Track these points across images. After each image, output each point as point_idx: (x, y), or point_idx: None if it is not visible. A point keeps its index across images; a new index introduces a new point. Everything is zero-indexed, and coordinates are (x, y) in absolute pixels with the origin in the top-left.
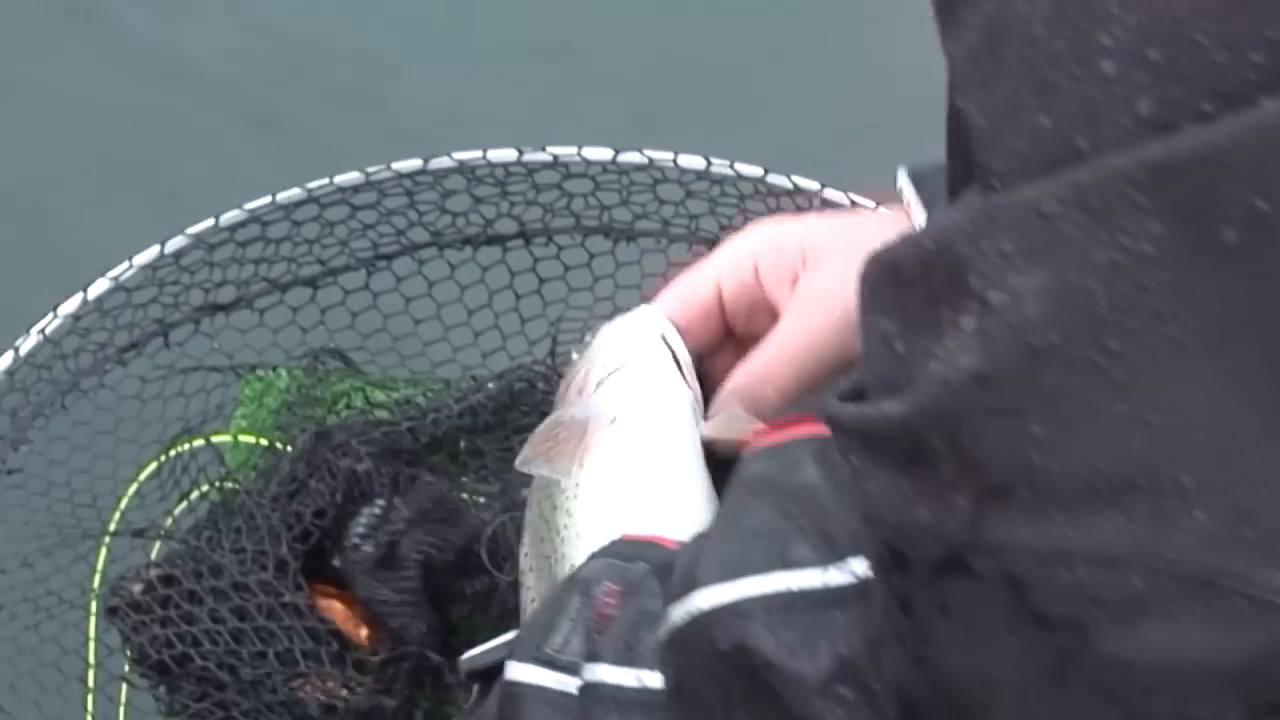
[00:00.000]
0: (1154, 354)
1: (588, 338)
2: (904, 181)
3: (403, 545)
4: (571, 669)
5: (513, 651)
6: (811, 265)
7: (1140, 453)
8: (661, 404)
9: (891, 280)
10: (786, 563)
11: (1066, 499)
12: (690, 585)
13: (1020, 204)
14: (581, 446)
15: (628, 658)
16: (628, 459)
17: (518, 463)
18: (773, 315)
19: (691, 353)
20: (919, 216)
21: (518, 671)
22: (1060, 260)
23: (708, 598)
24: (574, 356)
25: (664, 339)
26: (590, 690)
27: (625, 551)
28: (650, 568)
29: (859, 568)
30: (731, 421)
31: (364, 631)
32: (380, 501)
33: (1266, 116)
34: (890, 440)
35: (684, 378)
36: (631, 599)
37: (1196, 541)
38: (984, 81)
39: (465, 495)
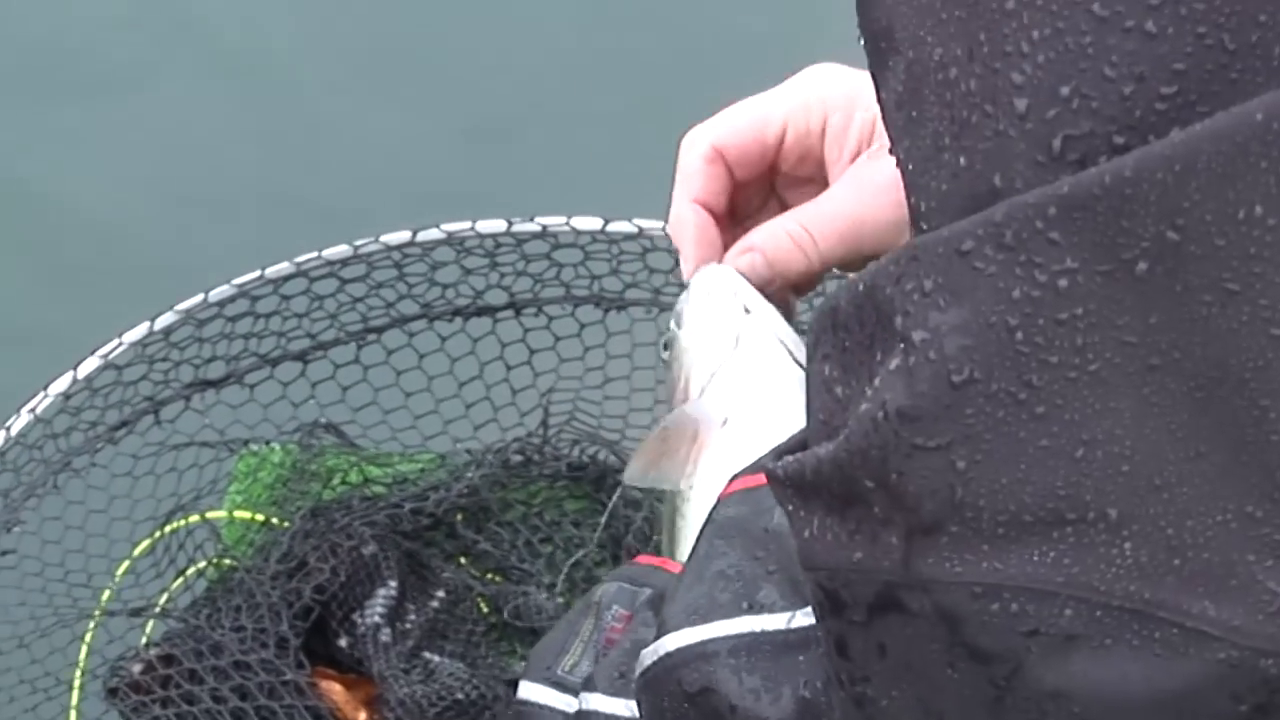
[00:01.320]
0: (1075, 387)
1: (672, 327)
2: None
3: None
4: (579, 691)
5: (525, 670)
6: (879, 149)
7: (1066, 486)
8: (772, 401)
9: (831, 325)
10: (753, 606)
11: (995, 533)
12: (660, 628)
13: (940, 242)
14: (693, 452)
15: (621, 687)
16: (743, 463)
17: (626, 477)
18: (819, 169)
19: (736, 182)
20: None
21: (528, 690)
22: (978, 297)
23: (675, 640)
24: (663, 355)
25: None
26: (584, 718)
27: (635, 576)
28: (651, 594)
29: None
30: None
31: (363, 715)
32: (393, 583)
33: (1173, 147)
34: (822, 483)
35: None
36: (630, 627)
37: (1126, 573)
38: (909, 126)
39: (471, 575)
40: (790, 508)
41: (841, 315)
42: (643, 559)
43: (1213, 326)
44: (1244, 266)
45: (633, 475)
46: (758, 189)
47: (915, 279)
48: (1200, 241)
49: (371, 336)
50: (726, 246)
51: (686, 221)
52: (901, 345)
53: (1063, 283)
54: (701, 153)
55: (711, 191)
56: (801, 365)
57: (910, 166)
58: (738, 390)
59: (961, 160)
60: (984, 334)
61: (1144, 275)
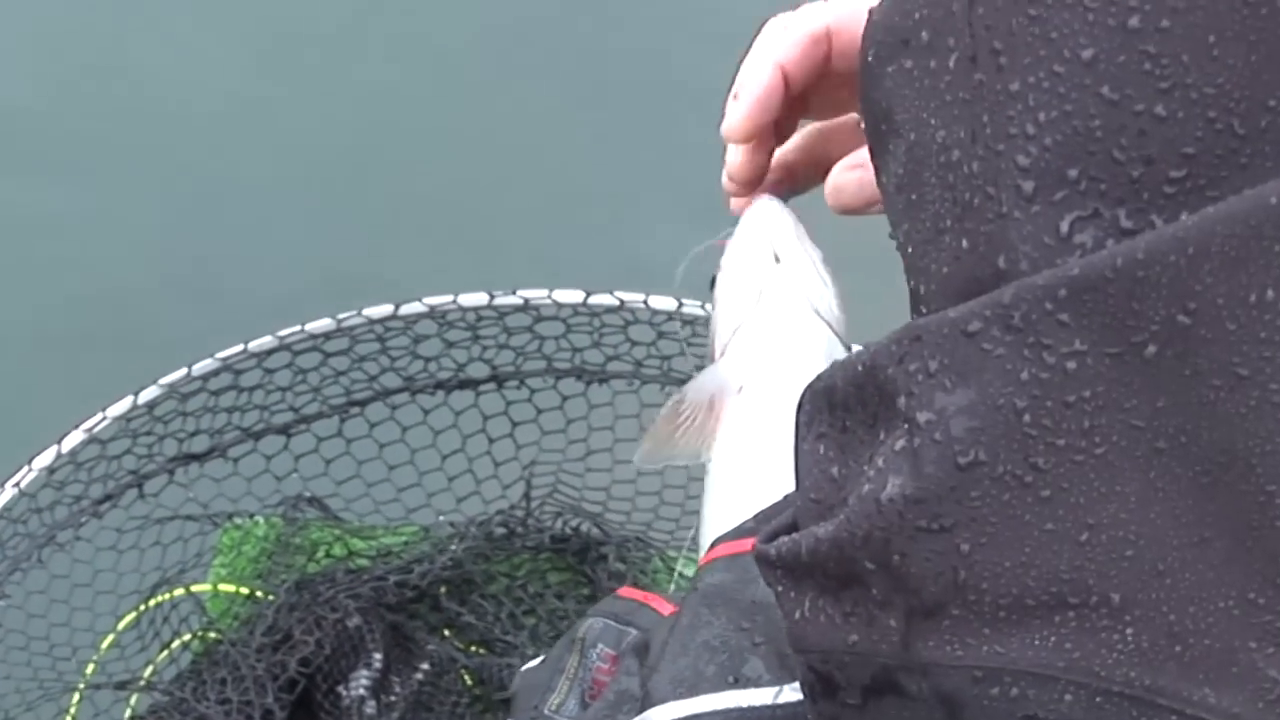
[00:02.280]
0: (1081, 470)
1: (719, 269)
2: None
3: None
4: None
5: (512, 710)
6: None
7: (1069, 569)
8: (787, 368)
9: (826, 405)
10: (739, 680)
11: (997, 616)
12: (645, 699)
13: (945, 323)
14: (711, 423)
15: None
16: (756, 435)
17: (636, 459)
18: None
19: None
20: None
21: None
22: (985, 378)
23: (661, 715)
24: (708, 309)
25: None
26: None
27: (620, 613)
28: (636, 638)
29: None
30: None
31: None
32: (377, 656)
33: (1186, 230)
34: (818, 564)
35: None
36: (615, 676)
37: (1128, 658)
38: (909, 209)
39: (456, 648)
40: (780, 589)
41: (839, 395)
42: (625, 591)
43: (1220, 411)
44: (1254, 351)
45: (643, 456)
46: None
47: (919, 360)
48: (1211, 325)
49: (355, 409)
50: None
51: (762, 78)
52: (905, 426)
53: (1071, 365)
54: (811, 30)
55: (802, 69)
56: (828, 323)
57: (910, 250)
58: (754, 354)
59: (964, 243)
60: (991, 416)
61: (1153, 358)
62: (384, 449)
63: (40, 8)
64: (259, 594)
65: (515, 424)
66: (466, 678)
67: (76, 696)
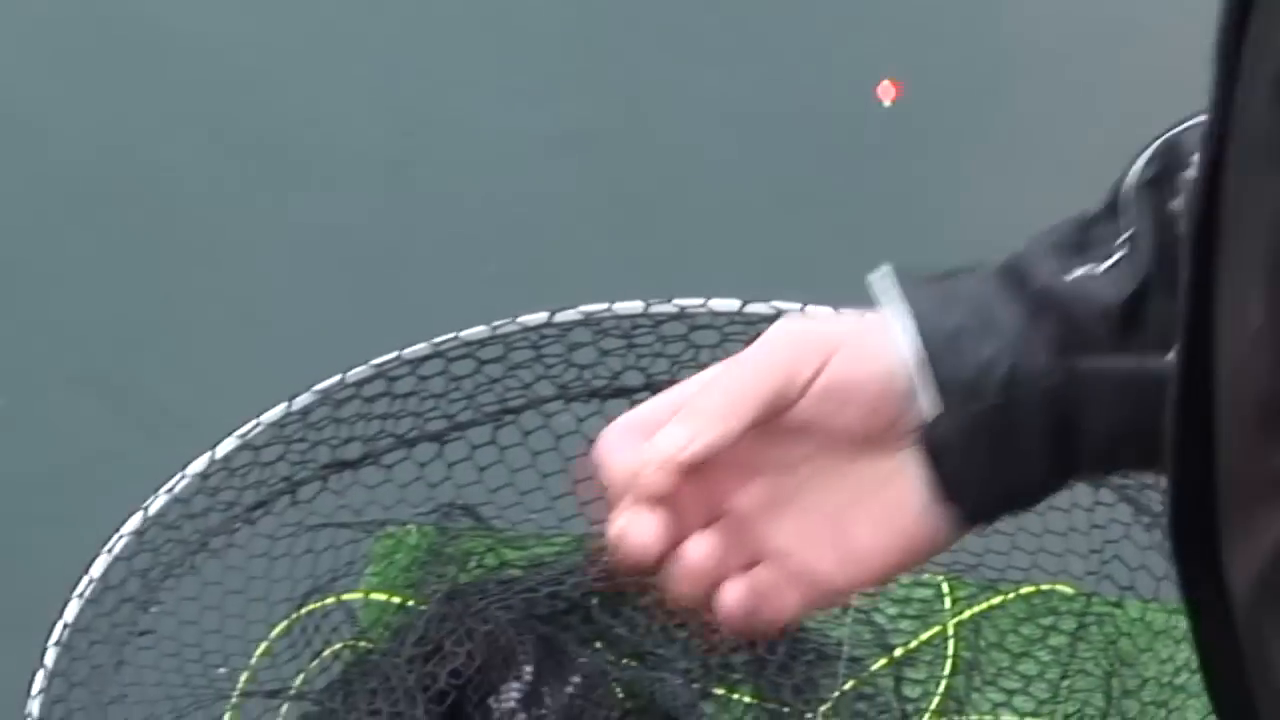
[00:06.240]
0: None
1: None
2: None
3: None
4: None
5: None
6: None
7: None
8: None
9: None
10: None
11: None
12: None
13: None
14: None
15: None
16: None
17: None
18: None
19: None
20: (896, 312)
21: None
22: None
23: None
24: None
25: None
26: None
27: None
28: None
29: None
30: None
31: None
32: (528, 668)
33: None
34: None
35: None
36: None
37: None
38: None
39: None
40: None
41: None
42: None
43: None
44: None
45: None
46: None
47: None
48: None
49: (508, 417)
50: None
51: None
52: None
53: None
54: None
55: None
56: None
57: None
58: None
59: None
60: None
61: None
62: (538, 457)
63: None
64: (410, 603)
65: None
66: (618, 691)
67: (229, 706)
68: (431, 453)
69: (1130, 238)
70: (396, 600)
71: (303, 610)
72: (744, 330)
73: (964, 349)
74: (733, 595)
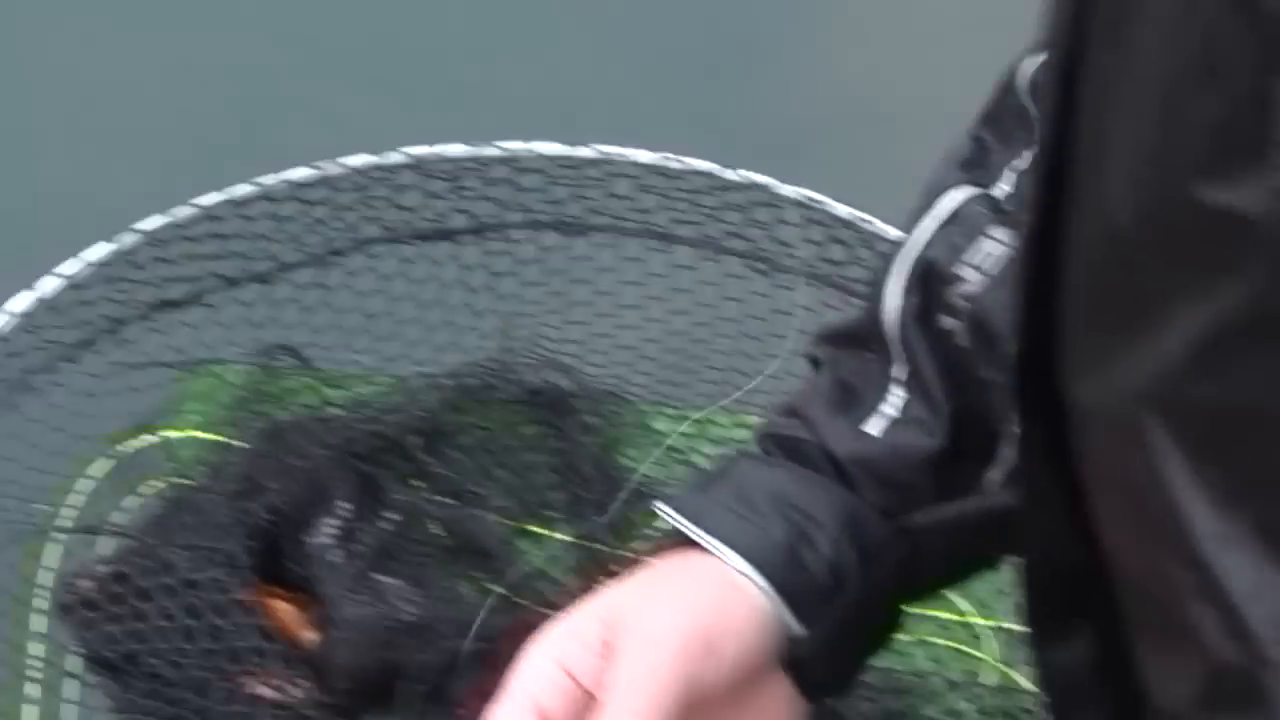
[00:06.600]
0: None
1: None
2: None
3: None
4: None
5: None
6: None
7: None
8: None
9: None
10: None
11: None
12: None
13: None
14: None
15: None
16: None
17: None
18: None
19: None
20: (714, 544)
21: None
22: None
23: None
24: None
25: None
26: None
27: None
28: None
29: None
30: None
31: (311, 634)
32: (345, 505)
33: None
34: None
35: None
36: None
37: None
38: None
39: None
40: None
41: None
42: None
43: None
44: None
45: None
46: None
47: None
48: None
49: (334, 259)
50: None
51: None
52: None
53: None
54: None
55: None
56: None
57: None
58: None
59: None
60: None
61: None
62: (363, 298)
63: None
64: (230, 441)
65: (495, 275)
66: (435, 528)
67: (47, 539)
68: (257, 294)
69: (913, 376)
70: (216, 438)
71: (122, 447)
72: (570, 174)
73: (804, 560)
74: None
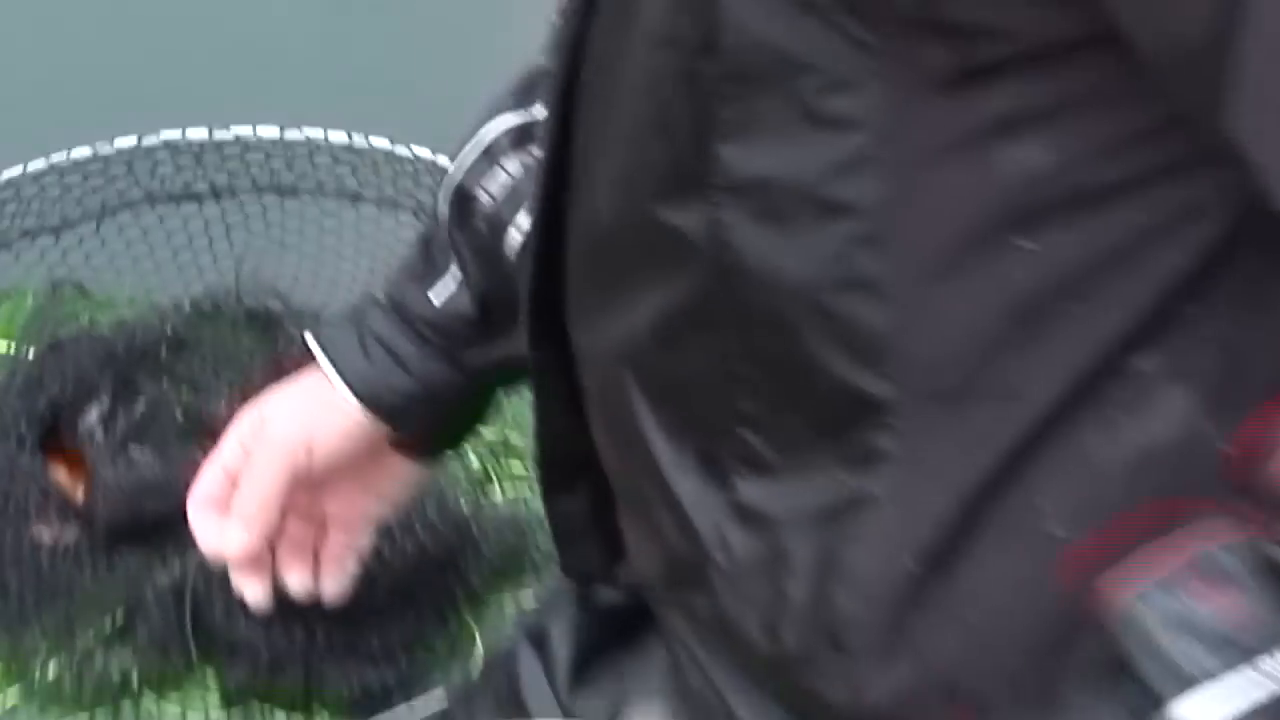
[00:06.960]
0: None
1: None
2: (314, 345)
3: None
4: None
5: None
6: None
7: None
8: None
9: None
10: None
11: None
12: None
13: None
14: None
15: None
16: None
17: None
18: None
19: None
20: (331, 374)
21: None
22: None
23: None
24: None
25: None
26: None
27: None
28: None
29: None
30: None
31: (80, 489)
32: (106, 397)
33: None
34: None
35: None
36: None
37: None
38: None
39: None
40: None
41: None
42: None
43: None
44: None
45: None
46: None
47: None
48: None
49: (107, 217)
50: None
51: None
52: None
53: None
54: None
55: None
56: None
57: None
58: None
59: None
60: None
61: None
62: (129, 245)
63: None
64: (25, 350)
65: (229, 228)
66: (177, 413)
67: None
68: (51, 242)
69: (461, 265)
70: (10, 348)
71: None
72: (283, 151)
73: (393, 386)
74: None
